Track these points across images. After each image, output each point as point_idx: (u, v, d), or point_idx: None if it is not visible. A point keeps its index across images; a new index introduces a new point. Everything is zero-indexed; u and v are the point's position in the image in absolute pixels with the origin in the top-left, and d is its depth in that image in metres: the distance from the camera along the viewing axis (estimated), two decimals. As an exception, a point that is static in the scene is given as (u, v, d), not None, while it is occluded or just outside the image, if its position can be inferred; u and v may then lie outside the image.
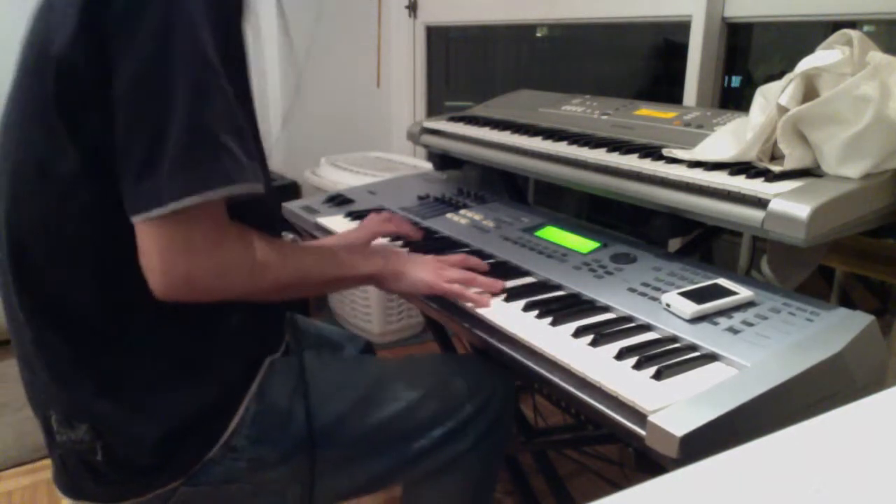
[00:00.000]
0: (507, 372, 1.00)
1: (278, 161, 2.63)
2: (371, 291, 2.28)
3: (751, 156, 0.94)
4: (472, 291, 0.92)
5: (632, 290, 0.91)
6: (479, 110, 1.57)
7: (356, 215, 1.31)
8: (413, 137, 1.52)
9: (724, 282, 0.88)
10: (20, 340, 0.83)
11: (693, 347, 0.77)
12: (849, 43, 0.90)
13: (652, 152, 1.04)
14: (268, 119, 2.63)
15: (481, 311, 0.89)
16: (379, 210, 1.34)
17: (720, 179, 0.90)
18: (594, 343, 0.79)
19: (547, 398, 1.56)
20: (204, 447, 0.83)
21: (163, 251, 0.71)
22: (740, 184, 0.88)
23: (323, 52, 2.59)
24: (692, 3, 1.57)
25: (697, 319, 0.82)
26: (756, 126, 0.94)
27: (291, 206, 1.41)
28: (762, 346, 0.75)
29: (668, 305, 0.85)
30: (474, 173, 1.52)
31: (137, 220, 0.70)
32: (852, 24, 1.34)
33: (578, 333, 0.81)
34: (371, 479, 0.93)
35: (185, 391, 0.81)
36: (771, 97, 0.94)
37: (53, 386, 0.81)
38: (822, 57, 0.90)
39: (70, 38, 0.68)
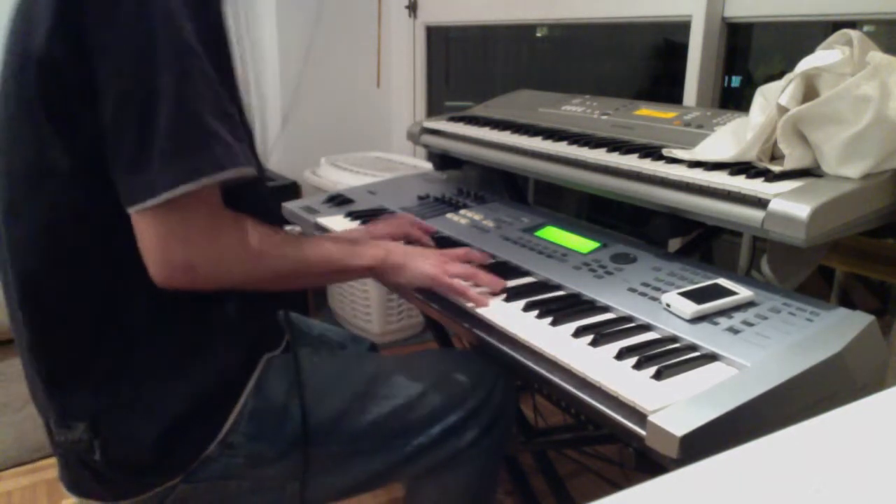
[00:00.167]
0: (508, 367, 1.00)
1: (278, 161, 2.63)
2: (371, 291, 2.28)
3: (751, 156, 0.94)
4: (473, 290, 0.92)
5: (632, 290, 0.91)
6: (479, 110, 1.57)
7: (356, 215, 1.31)
8: (413, 137, 1.52)
9: (724, 282, 0.88)
10: (20, 340, 0.83)
11: (693, 347, 0.77)
12: (849, 43, 0.90)
13: (652, 152, 1.04)
14: (268, 119, 2.63)
15: (481, 311, 0.89)
16: (379, 211, 1.34)
17: (720, 179, 0.90)
18: (594, 343, 0.79)
19: (547, 398, 1.56)
20: (202, 444, 0.83)
21: (161, 240, 0.71)
22: (740, 184, 0.88)
23: (323, 52, 2.59)
24: (692, 3, 1.57)
25: (697, 319, 0.82)
26: (756, 126, 0.94)
27: (291, 206, 1.41)
28: (762, 346, 0.75)
29: (668, 305, 0.85)
30: (474, 173, 1.52)
31: (133, 212, 0.70)
32: (852, 24, 1.34)
33: (578, 333, 0.81)
34: (371, 476, 0.93)
35: (183, 388, 0.81)
36: (771, 97, 0.94)
37: (51, 386, 0.81)
38: (822, 57, 0.90)
39: (48, 34, 0.69)
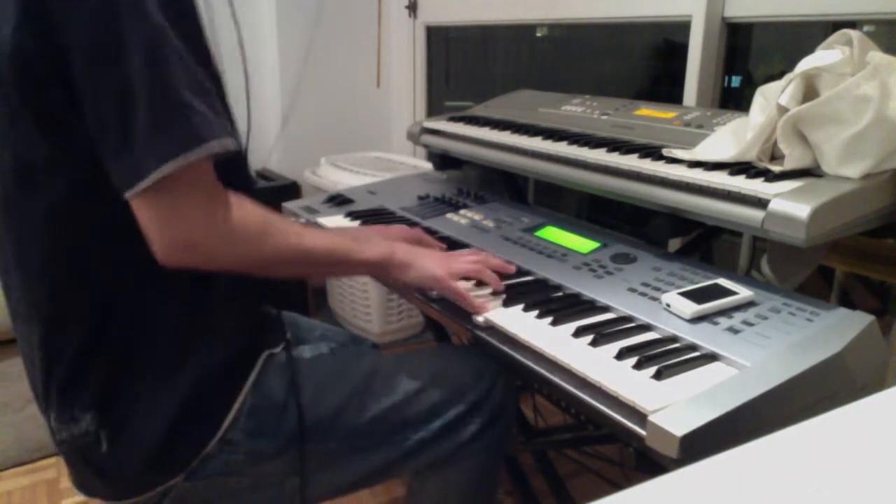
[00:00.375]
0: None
1: (278, 161, 2.63)
2: (371, 291, 2.28)
3: (751, 156, 0.94)
4: (475, 292, 0.92)
5: (632, 290, 0.91)
6: (479, 110, 1.57)
7: (356, 215, 1.31)
8: (413, 137, 1.52)
9: (724, 282, 0.88)
10: (21, 335, 0.83)
11: (693, 347, 0.77)
12: (849, 43, 0.90)
13: (652, 152, 1.04)
14: (268, 119, 2.63)
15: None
16: (379, 211, 1.34)
17: (720, 179, 0.90)
18: (594, 343, 0.79)
19: (547, 398, 1.57)
20: (202, 441, 0.83)
21: (159, 220, 0.72)
22: (740, 184, 0.88)
23: (323, 52, 2.59)
24: (692, 3, 1.57)
25: (697, 319, 0.82)
26: (756, 126, 0.94)
27: (291, 206, 1.41)
28: (762, 346, 0.75)
29: (668, 305, 0.85)
30: (474, 173, 1.52)
31: (129, 197, 0.71)
32: (852, 24, 1.34)
33: (578, 333, 0.81)
34: (371, 472, 0.93)
35: (183, 382, 0.81)
36: (771, 97, 0.94)
37: (56, 379, 0.81)
38: (822, 57, 0.90)
39: (15, 24, 0.69)
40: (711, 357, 0.75)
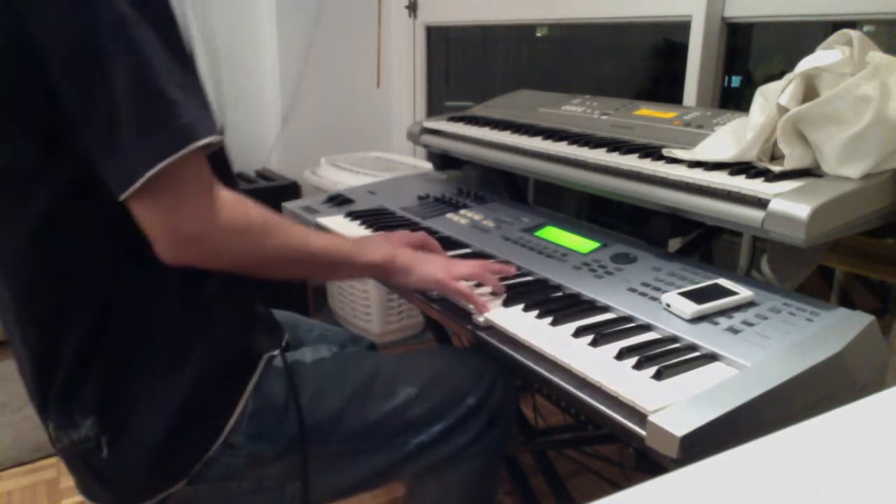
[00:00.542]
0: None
1: (278, 161, 2.63)
2: (371, 291, 2.28)
3: (751, 156, 0.94)
4: (478, 292, 0.92)
5: (632, 290, 0.91)
6: (479, 110, 1.57)
7: (356, 215, 1.31)
8: (413, 137, 1.52)
9: (724, 282, 0.88)
10: (15, 345, 0.83)
11: (693, 347, 0.77)
12: (849, 43, 0.90)
13: (652, 152, 1.04)
14: (268, 119, 2.63)
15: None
16: (379, 211, 1.34)
17: (720, 179, 0.90)
18: (594, 343, 0.79)
19: (547, 398, 1.57)
20: (204, 445, 0.83)
21: (158, 217, 0.72)
22: (740, 184, 0.88)
23: (323, 52, 2.59)
24: (692, 3, 1.57)
25: (697, 319, 0.82)
26: (756, 126, 0.94)
27: (291, 206, 1.41)
28: (762, 346, 0.75)
29: (668, 305, 0.85)
30: (474, 173, 1.52)
31: (125, 199, 0.70)
32: (852, 24, 1.34)
33: (578, 333, 0.81)
34: (371, 475, 0.93)
35: (183, 385, 0.81)
36: (771, 97, 0.94)
37: (54, 386, 0.80)
38: (822, 57, 0.90)
39: None
40: (711, 357, 0.75)
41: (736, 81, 1.67)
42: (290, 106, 2.58)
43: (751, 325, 0.80)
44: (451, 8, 2.48)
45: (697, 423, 0.62)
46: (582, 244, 1.08)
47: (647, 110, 1.27)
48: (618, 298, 0.89)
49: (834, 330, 0.76)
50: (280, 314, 1.02)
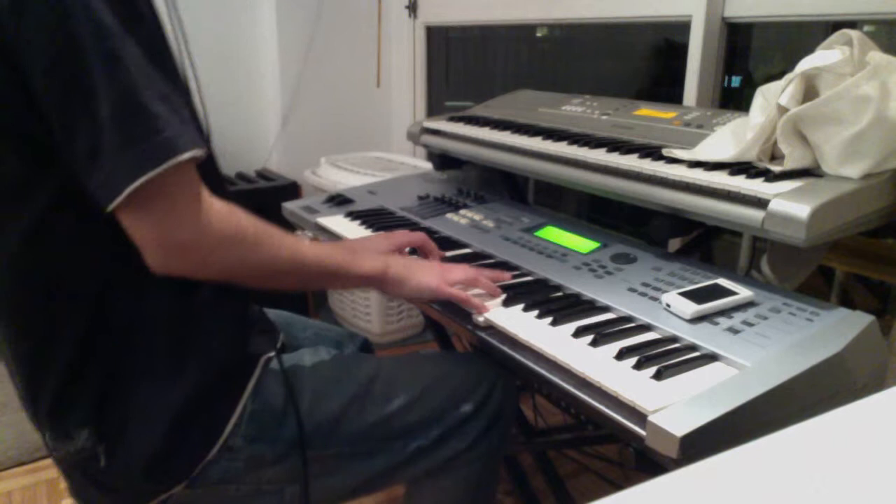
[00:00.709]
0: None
1: (278, 161, 2.63)
2: (371, 291, 2.28)
3: (751, 156, 0.94)
4: (474, 293, 0.92)
5: (632, 290, 0.91)
6: (479, 110, 1.57)
7: (356, 215, 1.31)
8: (413, 137, 1.52)
9: (724, 282, 0.88)
10: (5, 358, 0.82)
11: (693, 347, 0.77)
12: (849, 43, 0.90)
13: (652, 152, 1.04)
14: (268, 119, 2.63)
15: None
16: (379, 211, 1.34)
17: (720, 179, 0.90)
18: (594, 343, 0.79)
19: (547, 398, 1.57)
20: (203, 448, 0.82)
21: (147, 227, 0.71)
22: (740, 184, 0.88)
23: (323, 52, 2.59)
24: (692, 3, 1.57)
25: (697, 319, 0.82)
26: (756, 126, 0.94)
27: (291, 206, 1.41)
28: (762, 346, 0.75)
29: (668, 305, 0.85)
30: (474, 173, 1.52)
31: (110, 211, 0.70)
32: (852, 24, 1.34)
33: (578, 333, 0.81)
34: (370, 478, 0.93)
35: (179, 391, 0.80)
36: (771, 97, 0.94)
37: (46, 398, 0.80)
38: (822, 57, 0.90)
39: None
40: (711, 357, 0.75)
41: (736, 81, 1.67)
42: (289, 106, 2.58)
43: (751, 325, 0.80)
44: (451, 8, 2.48)
45: (697, 423, 0.62)
46: (582, 244, 1.08)
47: (647, 110, 1.27)
48: (618, 298, 0.89)
49: (834, 330, 0.76)
50: (273, 314, 1.02)
